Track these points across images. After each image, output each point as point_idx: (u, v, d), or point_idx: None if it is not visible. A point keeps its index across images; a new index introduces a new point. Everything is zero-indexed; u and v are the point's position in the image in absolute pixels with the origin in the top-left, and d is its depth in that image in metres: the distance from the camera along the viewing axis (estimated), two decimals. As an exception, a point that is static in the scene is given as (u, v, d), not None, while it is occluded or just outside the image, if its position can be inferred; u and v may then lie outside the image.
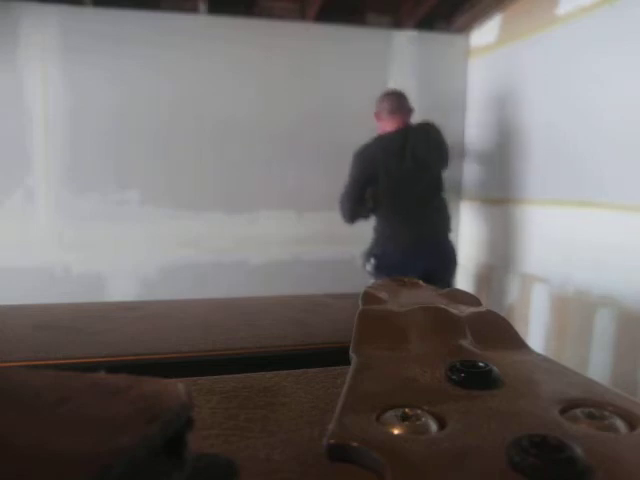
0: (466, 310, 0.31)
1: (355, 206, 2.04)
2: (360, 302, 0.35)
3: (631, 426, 0.19)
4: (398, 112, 2.06)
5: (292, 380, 0.27)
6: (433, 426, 0.19)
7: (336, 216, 2.57)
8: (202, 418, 0.22)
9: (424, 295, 0.37)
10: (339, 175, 2.56)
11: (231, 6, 2.38)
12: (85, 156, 2.33)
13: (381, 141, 2.05)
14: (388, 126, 2.06)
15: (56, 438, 0.14)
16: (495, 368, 0.23)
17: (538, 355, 0.27)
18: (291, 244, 2.53)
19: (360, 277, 2.09)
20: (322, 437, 0.19)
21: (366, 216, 2.10)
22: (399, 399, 0.21)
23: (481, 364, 0.24)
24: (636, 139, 1.67)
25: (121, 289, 2.38)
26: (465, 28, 2.60)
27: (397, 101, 2.08)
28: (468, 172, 2.68)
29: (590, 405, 0.21)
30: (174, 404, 0.16)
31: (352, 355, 0.27)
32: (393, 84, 2.58)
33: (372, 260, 2.05)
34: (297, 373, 0.28)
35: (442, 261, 2.09)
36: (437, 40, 2.62)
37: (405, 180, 2.01)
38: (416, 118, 2.75)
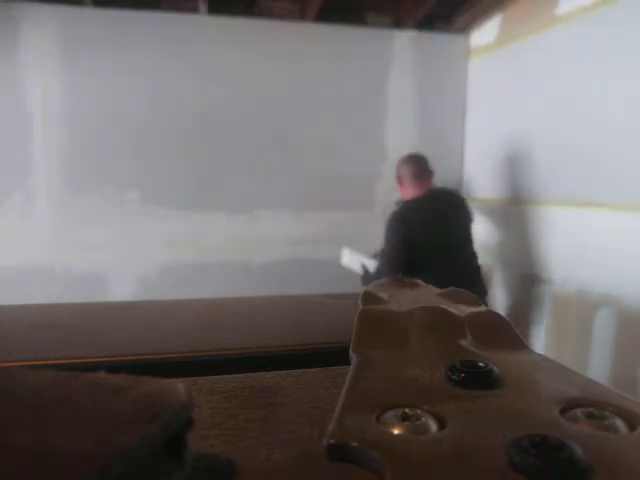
0: (466, 310, 0.31)
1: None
2: (360, 302, 0.35)
3: (631, 426, 0.19)
4: (422, 176, 2.00)
5: (292, 380, 0.27)
6: (433, 426, 0.19)
7: (336, 216, 2.57)
8: (202, 418, 0.22)
9: (424, 295, 0.37)
10: (339, 175, 2.57)
11: (231, 6, 2.38)
12: (85, 156, 2.33)
13: (415, 204, 1.94)
14: (413, 191, 1.99)
15: (56, 438, 0.14)
16: (495, 368, 0.23)
17: (538, 355, 0.27)
18: (291, 244, 2.53)
19: (360, 277, 2.09)
20: (322, 437, 0.19)
21: None
22: (399, 399, 0.21)
23: (481, 364, 0.24)
24: (636, 139, 1.67)
25: (121, 289, 2.39)
26: (465, 28, 2.61)
27: (419, 165, 2.02)
28: (468, 172, 2.68)
29: (590, 405, 0.21)
30: (174, 404, 0.16)
31: (352, 355, 0.27)
32: (393, 84, 2.59)
33: None
34: (297, 373, 0.28)
35: None
36: (437, 40, 2.62)
37: (445, 245, 1.92)
38: (416, 118, 2.75)
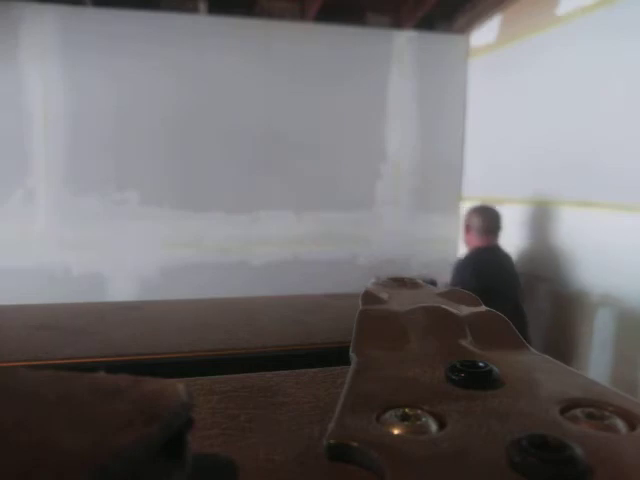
0: (466, 310, 0.31)
1: None
2: (360, 302, 0.35)
3: (631, 426, 0.19)
4: (491, 232, 2.05)
5: (292, 380, 0.27)
6: (433, 426, 0.19)
7: (336, 216, 2.57)
8: (202, 418, 0.22)
9: (424, 295, 0.37)
10: (339, 175, 2.56)
11: (231, 6, 2.38)
12: (85, 156, 2.33)
13: (485, 254, 2.01)
14: (477, 242, 2.04)
15: (55, 438, 0.14)
16: (495, 368, 0.23)
17: (538, 355, 0.27)
18: (291, 244, 2.53)
19: (360, 277, 2.09)
20: (322, 437, 0.19)
21: None
22: (399, 399, 0.21)
23: (481, 364, 0.24)
24: (636, 139, 1.67)
25: (121, 289, 2.38)
26: (465, 28, 2.60)
27: (491, 221, 2.06)
28: (468, 172, 2.68)
29: (590, 405, 0.21)
30: (174, 404, 0.16)
31: (352, 355, 0.27)
32: (393, 84, 2.59)
33: None
34: (297, 373, 0.28)
35: None
36: (437, 40, 2.62)
37: (511, 294, 1.96)
38: (416, 118, 2.74)
